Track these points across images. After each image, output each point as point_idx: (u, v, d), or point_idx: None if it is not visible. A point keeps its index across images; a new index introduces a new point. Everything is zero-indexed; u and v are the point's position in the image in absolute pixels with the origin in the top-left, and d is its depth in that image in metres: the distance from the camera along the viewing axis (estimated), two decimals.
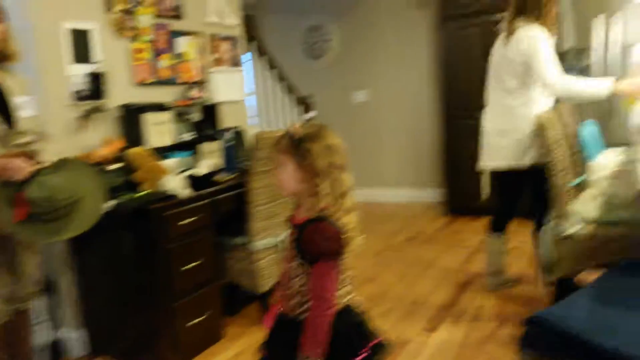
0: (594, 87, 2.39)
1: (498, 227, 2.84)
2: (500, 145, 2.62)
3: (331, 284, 1.36)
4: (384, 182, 5.59)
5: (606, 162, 2.45)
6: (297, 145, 1.37)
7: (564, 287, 2.16)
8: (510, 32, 2.55)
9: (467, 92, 4.44)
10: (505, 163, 2.61)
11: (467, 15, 4.36)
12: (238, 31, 3.62)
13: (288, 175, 1.39)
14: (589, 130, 2.62)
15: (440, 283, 3.17)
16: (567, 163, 2.27)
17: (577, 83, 2.41)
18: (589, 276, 1.97)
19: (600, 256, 2.03)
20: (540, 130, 2.11)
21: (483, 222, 4.33)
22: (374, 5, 5.34)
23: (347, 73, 5.61)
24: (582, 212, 2.12)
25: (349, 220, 1.39)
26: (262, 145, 2.62)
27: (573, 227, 2.09)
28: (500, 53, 2.66)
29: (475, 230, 4.17)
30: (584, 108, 3.02)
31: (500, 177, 2.75)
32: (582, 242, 2.07)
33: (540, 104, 2.53)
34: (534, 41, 2.45)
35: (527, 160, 2.52)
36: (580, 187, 2.50)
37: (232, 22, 3.55)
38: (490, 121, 2.71)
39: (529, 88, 2.53)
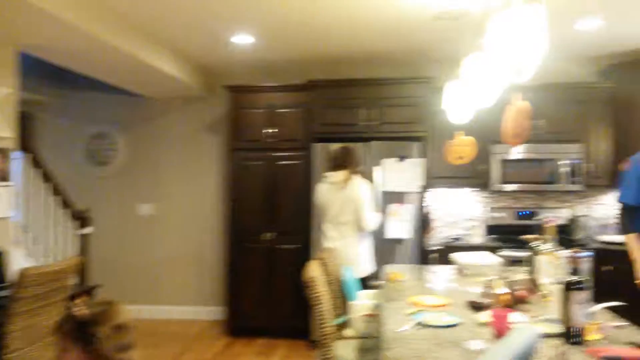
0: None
1: None
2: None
3: None
4: (167, 299, 5.42)
5: (362, 304, 2.86)
6: (82, 330, 1.31)
7: None
8: (346, 181, 3.58)
9: (251, 216, 4.77)
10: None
11: (253, 149, 4.79)
12: (10, 143, 3.31)
13: None
14: (349, 273, 3.06)
15: None
16: (330, 308, 2.59)
17: (376, 220, 3.72)
18: None
19: None
20: (310, 283, 2.40)
21: (262, 343, 4.53)
22: (163, 122, 5.47)
23: (133, 184, 5.49)
24: (342, 355, 2.42)
25: None
26: (28, 282, 2.37)
27: None
28: (337, 197, 3.62)
29: (255, 352, 4.29)
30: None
31: None
32: None
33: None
34: (363, 190, 3.56)
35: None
36: (343, 326, 2.85)
37: (4, 133, 3.25)
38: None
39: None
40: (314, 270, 2.46)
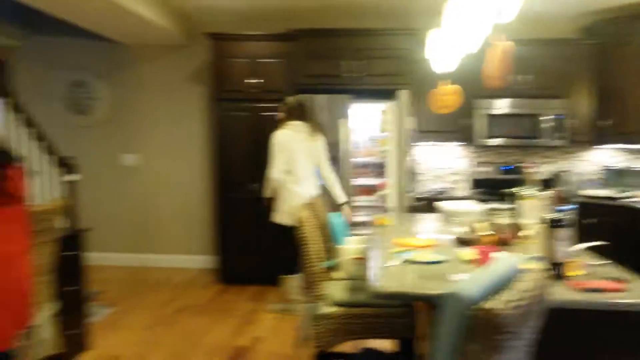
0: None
1: None
2: None
3: None
4: (155, 248, 5.46)
5: (351, 247, 2.92)
6: None
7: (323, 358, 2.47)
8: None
9: (236, 167, 4.77)
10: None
11: (237, 99, 4.73)
12: None
13: None
14: (337, 219, 3.11)
15: (211, 359, 3.20)
16: (320, 250, 2.64)
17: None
18: None
19: (349, 333, 2.38)
20: (298, 224, 2.44)
21: (253, 291, 4.60)
22: (143, 70, 5.36)
23: (116, 134, 5.42)
24: (332, 294, 2.48)
25: None
26: None
27: (326, 308, 2.42)
28: (303, 146, 3.72)
29: (246, 299, 4.38)
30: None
31: None
32: (333, 321, 2.40)
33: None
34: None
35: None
36: (332, 269, 2.92)
37: None
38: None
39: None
40: (302, 213, 2.51)
